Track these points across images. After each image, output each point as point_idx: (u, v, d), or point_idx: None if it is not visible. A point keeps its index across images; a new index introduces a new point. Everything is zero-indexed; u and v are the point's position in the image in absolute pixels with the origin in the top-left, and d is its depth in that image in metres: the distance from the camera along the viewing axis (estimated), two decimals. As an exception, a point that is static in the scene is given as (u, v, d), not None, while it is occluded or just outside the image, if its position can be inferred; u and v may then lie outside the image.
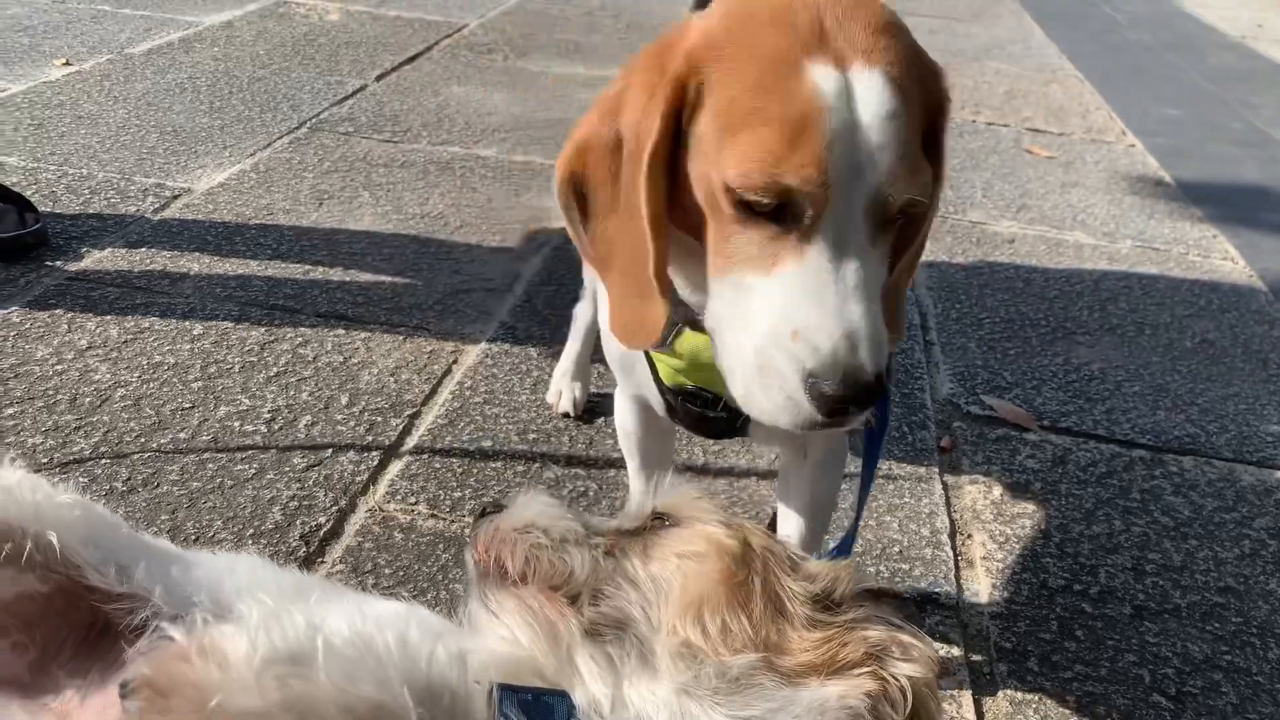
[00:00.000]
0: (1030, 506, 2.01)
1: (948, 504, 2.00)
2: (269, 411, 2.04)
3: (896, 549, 1.87)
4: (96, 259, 2.52)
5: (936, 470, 2.08)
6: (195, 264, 2.55)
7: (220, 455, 1.90)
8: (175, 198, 2.86)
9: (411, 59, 4.25)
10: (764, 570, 0.88)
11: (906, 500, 1.99)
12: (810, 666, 0.83)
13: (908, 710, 0.81)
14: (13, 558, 0.94)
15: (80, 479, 1.79)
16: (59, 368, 2.09)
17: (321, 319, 2.37)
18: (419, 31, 4.63)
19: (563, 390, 2.16)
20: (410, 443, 2.01)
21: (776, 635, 0.85)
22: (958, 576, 1.82)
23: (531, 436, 2.07)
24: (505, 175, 3.25)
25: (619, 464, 2.00)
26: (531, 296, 2.59)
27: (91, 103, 3.43)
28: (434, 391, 2.17)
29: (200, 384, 2.09)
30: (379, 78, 4.00)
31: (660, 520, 0.95)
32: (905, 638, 0.85)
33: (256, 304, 2.39)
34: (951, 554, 1.87)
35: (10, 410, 1.95)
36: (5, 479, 0.99)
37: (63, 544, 0.96)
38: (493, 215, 2.99)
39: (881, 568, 1.82)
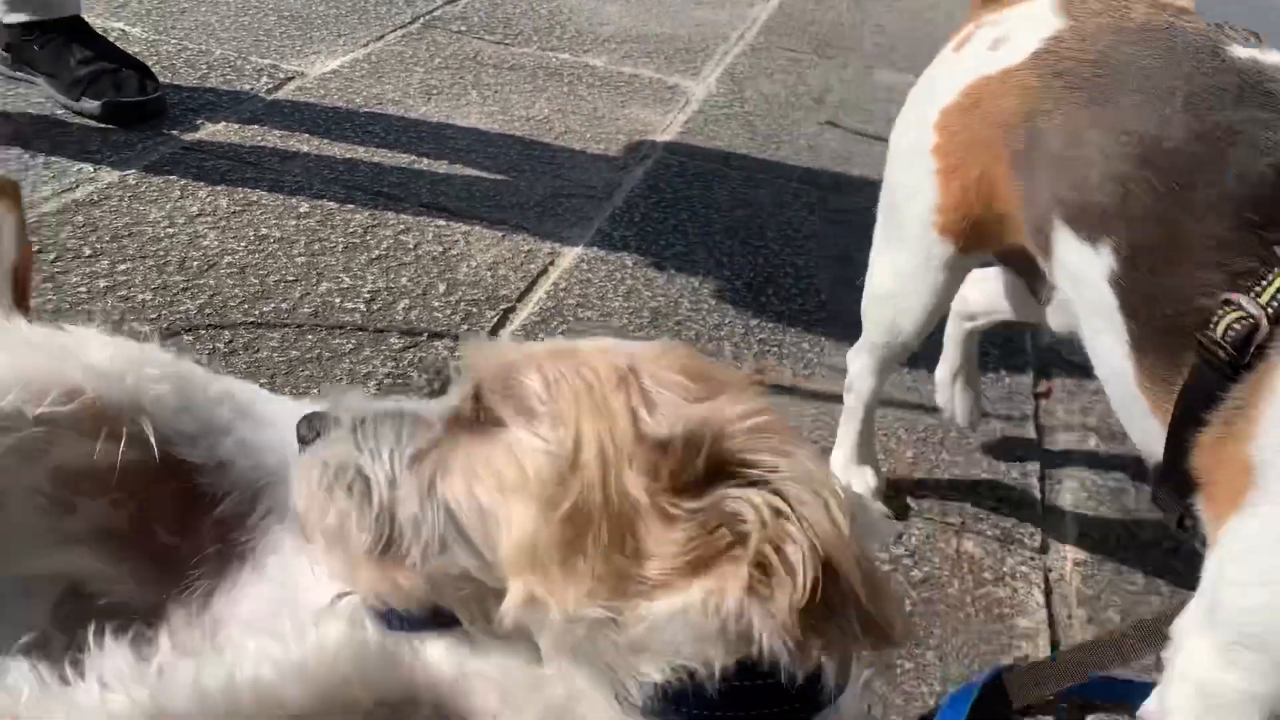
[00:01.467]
0: (1126, 458, 1.95)
1: (1040, 448, 1.95)
2: (369, 292, 2.06)
3: (984, 487, 1.83)
4: (211, 131, 2.56)
5: (1032, 414, 2.04)
6: (305, 145, 2.58)
7: (320, 329, 1.93)
8: (288, 80, 2.88)
9: (527, -36, 4.21)
10: (602, 475, 0.73)
11: (998, 441, 1.95)
12: (679, 575, 0.71)
13: (810, 573, 0.68)
14: (112, 435, 0.97)
15: (185, 338, 1.84)
16: (170, 231, 2.14)
17: (424, 209, 2.39)
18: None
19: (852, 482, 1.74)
20: (503, 336, 2.02)
21: (633, 552, 0.72)
22: (1044, 520, 1.79)
23: (622, 342, 2.06)
24: (612, 86, 3.22)
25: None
26: (631, 207, 2.57)
27: (213, -19, 3.47)
28: (529, 289, 2.18)
29: (304, 259, 2.13)
30: (493, -20, 3.97)
31: (479, 405, 0.80)
32: (792, 486, 0.70)
33: (362, 189, 2.41)
34: (1039, 497, 1.83)
35: (123, 266, 2.01)
36: (97, 357, 1.00)
37: (156, 422, 0.98)
38: (597, 124, 2.96)
39: (968, 504, 1.79)
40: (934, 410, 1.93)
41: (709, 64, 3.51)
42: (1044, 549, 1.73)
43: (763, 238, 2.51)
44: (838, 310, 2.21)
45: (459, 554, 0.77)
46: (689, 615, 0.70)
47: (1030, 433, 1.99)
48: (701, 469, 0.72)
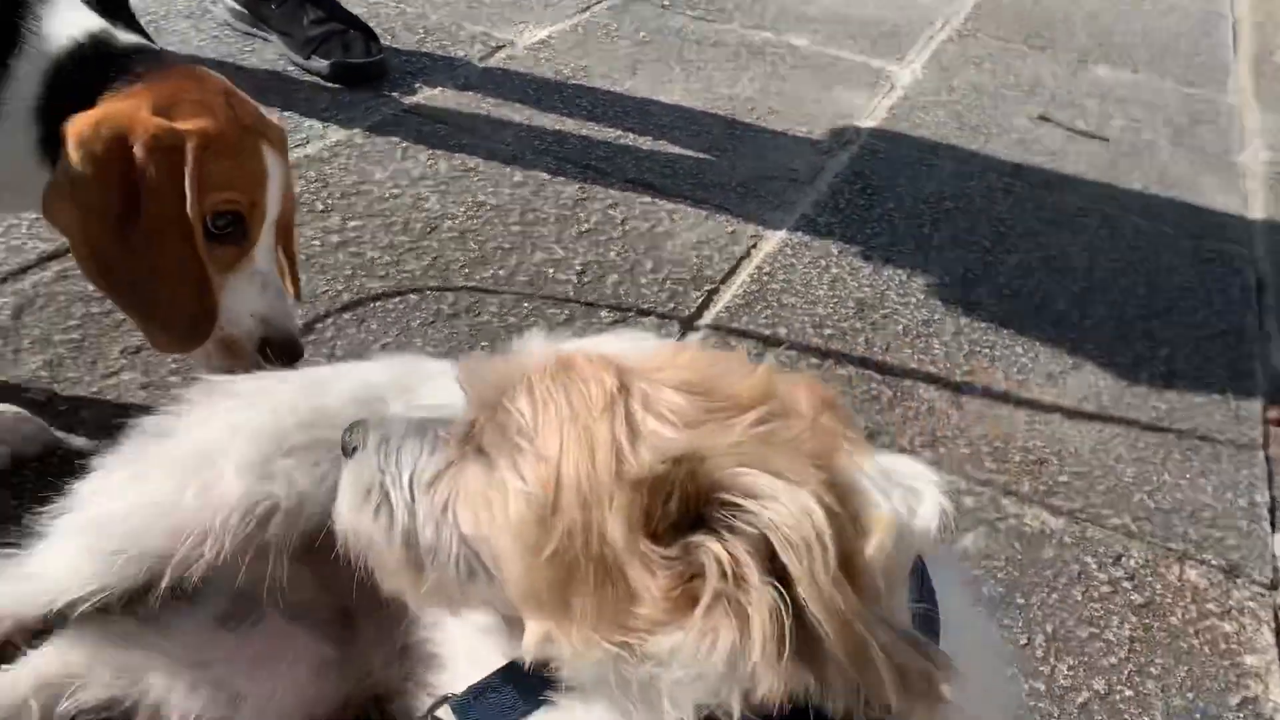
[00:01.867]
0: (1367, 499, 1.83)
1: (1270, 479, 1.85)
2: (580, 265, 2.10)
3: (1208, 514, 1.74)
4: (428, 95, 2.64)
5: (1261, 441, 1.92)
6: (516, 114, 2.63)
7: (535, 298, 1.98)
8: (499, 48, 2.94)
9: (728, -62, 4.18)
10: (583, 519, 0.69)
11: (1224, 466, 1.85)
12: (670, 616, 0.66)
13: (773, 629, 0.62)
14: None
15: (411, 297, 1.91)
16: (394, 191, 2.22)
17: (630, 184, 2.41)
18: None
19: None
20: (707, 317, 2.02)
21: (625, 594, 0.68)
22: (1275, 555, 1.69)
23: (826, 332, 2.04)
24: (816, 67, 3.17)
25: (915, 373, 1.95)
26: (835, 192, 2.53)
27: (428, -53, 3.56)
28: (733, 271, 2.18)
29: (519, 228, 2.18)
30: (695, -46, 3.95)
31: (473, 431, 0.78)
32: (775, 531, 0.63)
33: (571, 161, 2.45)
34: (1269, 530, 1.73)
35: (353, 224, 2.09)
36: (242, 458, 1.03)
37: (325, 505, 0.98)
38: (799, 106, 2.93)
39: (1190, 530, 1.71)
40: (1157, 428, 1.84)
41: (915, 49, 3.42)
42: (1274, 585, 1.64)
43: (974, 233, 2.44)
44: (1054, 315, 2.13)
45: (481, 582, 0.76)
46: (683, 657, 0.66)
47: (1259, 460, 1.88)
48: (675, 512, 0.67)
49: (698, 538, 0.66)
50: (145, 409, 1.53)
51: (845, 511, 0.65)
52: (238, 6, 2.70)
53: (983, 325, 2.12)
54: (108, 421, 1.54)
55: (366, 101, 2.55)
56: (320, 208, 2.12)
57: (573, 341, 0.80)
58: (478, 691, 0.78)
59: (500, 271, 2.03)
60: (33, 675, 1.06)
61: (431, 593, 0.79)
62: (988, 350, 2.05)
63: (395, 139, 2.41)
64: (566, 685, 0.73)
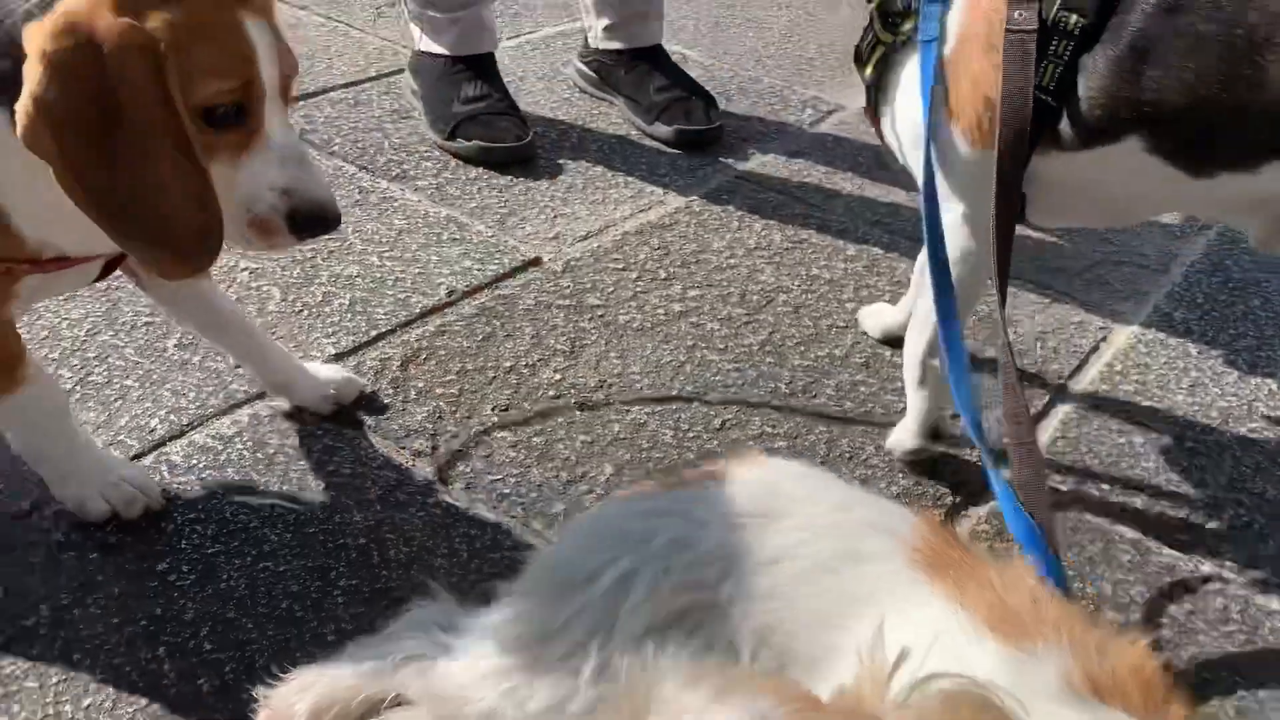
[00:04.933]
0: None
1: None
2: (917, 349, 2.05)
3: None
4: (760, 162, 2.68)
5: None
6: (847, 183, 2.62)
7: (871, 380, 1.95)
8: (830, 113, 2.95)
9: None
10: None
11: None
12: None
13: None
14: None
15: (749, 372, 1.94)
16: (731, 261, 2.26)
17: (966, 263, 2.34)
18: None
19: None
20: (1054, 417, 1.93)
21: None
22: None
23: (1188, 445, 1.89)
24: (1164, 141, 2.97)
25: (1293, 502, 1.77)
26: (1190, 284, 2.35)
27: (759, 6, 3.63)
28: (1080, 368, 2.06)
29: (852, 304, 2.16)
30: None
31: None
32: None
33: (905, 235, 2.41)
34: None
35: (693, 293, 2.15)
36: None
37: None
38: (1147, 184, 2.74)
39: None
40: None
41: None
42: None
43: (1360, 345, 2.20)
44: None
45: None
46: None
47: None
48: None
49: None
50: (517, 467, 1.64)
51: None
52: (588, 70, 2.85)
53: (1376, 453, 1.90)
54: (481, 480, 1.66)
55: (703, 167, 2.62)
56: (663, 275, 2.19)
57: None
58: None
59: (835, 351, 2.02)
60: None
61: None
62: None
63: (730, 207, 2.46)
64: None
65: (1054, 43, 1.34)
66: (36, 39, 1.05)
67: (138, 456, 1.64)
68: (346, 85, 2.83)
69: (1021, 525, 1.17)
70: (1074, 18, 1.34)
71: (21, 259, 1.25)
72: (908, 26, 1.45)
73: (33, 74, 1.04)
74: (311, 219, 1.22)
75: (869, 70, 1.54)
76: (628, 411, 1.83)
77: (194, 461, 1.64)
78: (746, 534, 1.02)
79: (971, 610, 0.82)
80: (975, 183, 1.45)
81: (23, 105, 1.04)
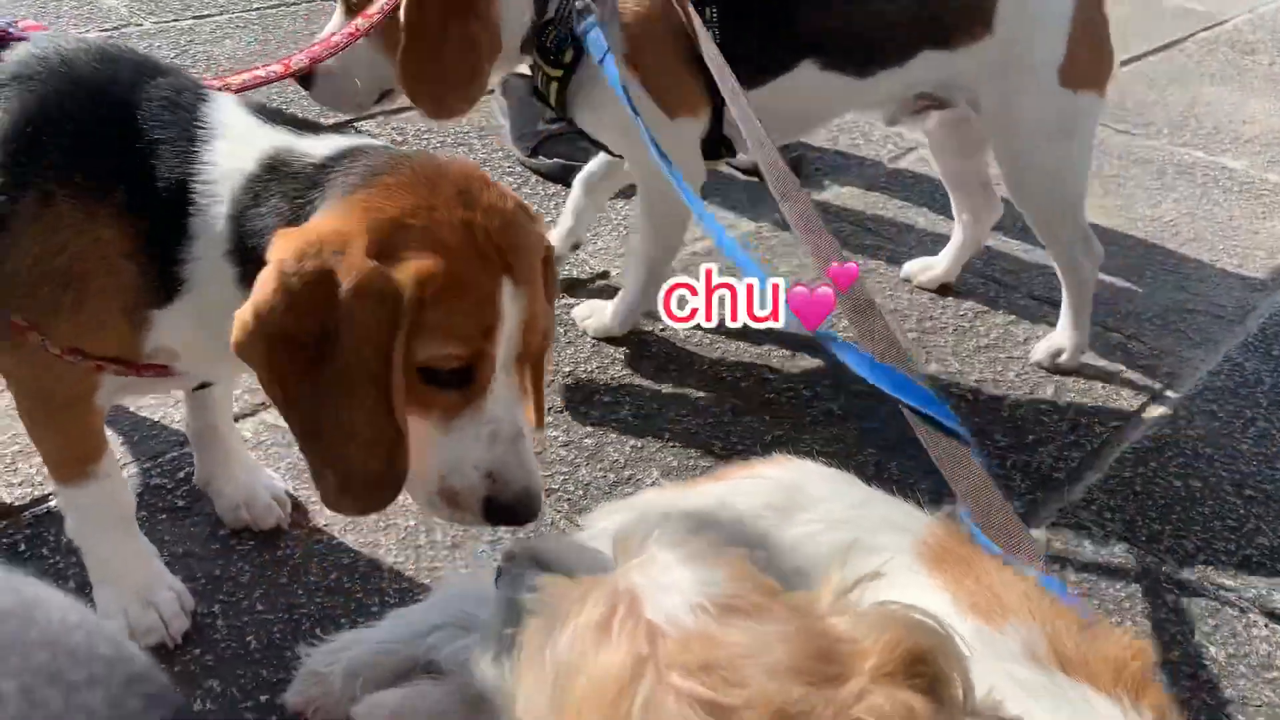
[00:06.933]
0: None
1: None
2: (975, 380, 2.06)
3: None
4: (836, 193, 2.71)
5: None
6: (920, 217, 2.64)
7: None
8: (910, 150, 2.97)
9: (1163, 48, 3.96)
10: None
11: None
12: None
13: None
14: None
15: (804, 392, 1.96)
16: (796, 286, 2.30)
17: (1034, 301, 2.33)
18: (1175, 20, 4.28)
19: None
20: (1110, 456, 1.91)
21: None
22: None
23: (1247, 493, 1.86)
24: (1253, 194, 2.92)
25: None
26: (1268, 336, 2.31)
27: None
28: (1142, 409, 2.04)
29: (915, 335, 2.17)
30: (1124, 63, 3.78)
31: None
32: None
33: (973, 271, 2.41)
34: None
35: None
36: None
37: None
38: (1231, 234, 2.70)
39: None
40: None
41: (1378, 182, 3.05)
42: None
43: None
44: None
45: None
46: None
47: None
48: None
49: None
50: (566, 465, 1.68)
51: None
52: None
53: None
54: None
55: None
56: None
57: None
58: None
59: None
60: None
61: None
62: None
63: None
64: None
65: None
66: (280, 247, 1.01)
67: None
68: (440, 102, 2.95)
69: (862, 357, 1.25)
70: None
71: (126, 363, 1.20)
72: (569, 57, 1.75)
73: (264, 284, 0.99)
74: (509, 510, 1.11)
75: (554, 101, 1.84)
76: (680, 421, 1.88)
77: (263, 439, 1.73)
78: (765, 524, 1.06)
79: (958, 596, 0.84)
80: (678, 145, 1.79)
81: (243, 313, 1.00)
